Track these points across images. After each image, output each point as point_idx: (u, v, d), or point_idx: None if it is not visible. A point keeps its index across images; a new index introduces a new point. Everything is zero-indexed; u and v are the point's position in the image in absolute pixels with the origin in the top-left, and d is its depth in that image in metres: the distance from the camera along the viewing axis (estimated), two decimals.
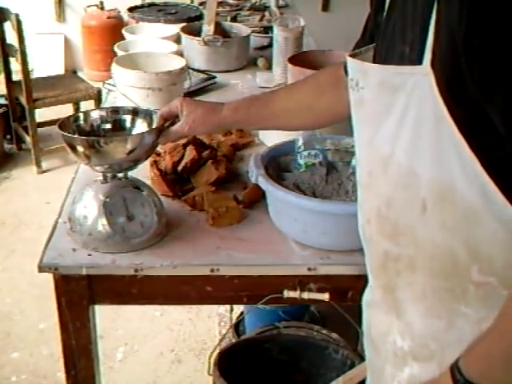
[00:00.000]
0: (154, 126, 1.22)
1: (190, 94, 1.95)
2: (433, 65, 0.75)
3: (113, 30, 4.40)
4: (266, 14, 2.99)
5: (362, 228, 0.99)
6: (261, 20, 2.92)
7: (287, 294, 1.22)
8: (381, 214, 0.91)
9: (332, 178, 1.28)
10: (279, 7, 3.10)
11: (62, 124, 1.19)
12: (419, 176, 0.82)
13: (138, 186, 1.24)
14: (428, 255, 0.86)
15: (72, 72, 4.75)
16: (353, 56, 0.93)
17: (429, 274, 0.87)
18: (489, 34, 0.70)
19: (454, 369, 0.82)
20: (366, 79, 0.87)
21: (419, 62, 0.77)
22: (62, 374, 1.38)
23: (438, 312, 0.88)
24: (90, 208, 1.20)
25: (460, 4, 0.70)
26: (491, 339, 0.80)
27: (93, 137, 1.21)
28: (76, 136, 1.17)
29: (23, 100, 3.39)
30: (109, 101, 1.93)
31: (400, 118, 0.81)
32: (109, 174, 1.22)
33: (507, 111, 0.72)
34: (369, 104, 0.88)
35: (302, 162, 1.29)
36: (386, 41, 0.88)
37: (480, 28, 0.70)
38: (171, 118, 1.23)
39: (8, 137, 3.76)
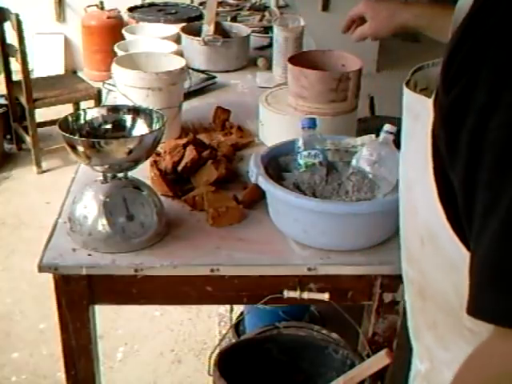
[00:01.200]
0: (344, 24, 1.27)
1: (190, 94, 1.95)
2: (435, 104, 0.73)
3: (113, 30, 4.40)
4: (266, 14, 2.99)
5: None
6: (261, 20, 2.92)
7: (287, 294, 1.22)
8: (401, 235, 0.92)
9: (332, 178, 1.27)
10: (279, 7, 3.10)
11: (62, 123, 1.19)
12: (418, 212, 0.81)
13: (138, 186, 1.24)
14: (432, 287, 0.85)
15: (72, 72, 4.75)
16: (419, 69, 0.92)
17: (435, 305, 0.85)
18: (461, 98, 0.66)
19: None
20: (402, 98, 0.87)
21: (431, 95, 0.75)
22: (62, 374, 1.38)
23: (445, 343, 0.86)
24: (90, 208, 1.20)
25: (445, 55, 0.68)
26: None
27: (93, 136, 1.21)
28: (76, 137, 1.17)
29: (23, 100, 3.39)
30: (109, 101, 1.93)
31: (417, 147, 0.79)
32: (109, 174, 1.22)
33: (464, 184, 0.68)
34: (404, 125, 0.87)
35: (301, 161, 1.29)
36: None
37: (455, 86, 0.66)
38: (359, 19, 1.27)
39: (8, 137, 3.76)
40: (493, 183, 0.63)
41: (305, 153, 1.28)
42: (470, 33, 0.66)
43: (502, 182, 0.62)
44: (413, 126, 0.82)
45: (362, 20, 1.32)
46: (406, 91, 0.85)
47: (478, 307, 0.65)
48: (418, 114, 0.79)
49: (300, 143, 1.32)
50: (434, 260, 0.80)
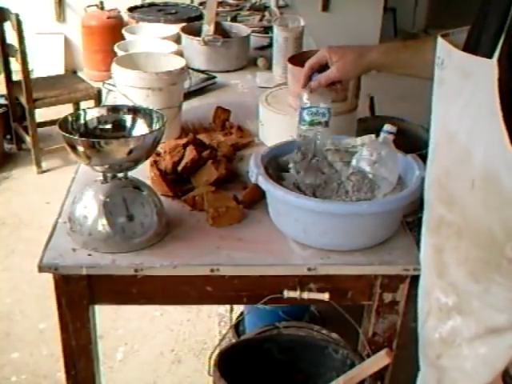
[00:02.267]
0: (302, 76, 1.24)
1: (190, 94, 1.95)
2: (500, 62, 0.82)
3: (113, 30, 4.40)
4: (266, 14, 2.99)
5: (426, 192, 1.09)
6: (261, 20, 2.92)
7: (287, 294, 1.22)
8: (440, 182, 1.01)
9: (332, 178, 1.27)
10: (279, 7, 3.10)
11: (62, 123, 1.19)
12: (472, 157, 0.91)
13: (138, 186, 1.24)
14: (472, 228, 0.95)
15: (72, 72, 4.75)
16: (444, 35, 0.99)
17: (472, 243, 0.96)
18: None
19: (506, 377, 0.94)
20: (449, 60, 0.94)
21: (491, 55, 0.84)
22: (62, 374, 1.38)
23: (476, 277, 0.97)
24: (90, 208, 1.20)
25: None
26: None
27: (93, 136, 1.21)
28: (76, 137, 1.17)
29: (23, 100, 3.39)
30: (109, 101, 1.93)
31: (466, 102, 0.90)
32: (109, 174, 1.22)
33: None
34: (447, 84, 0.96)
35: (307, 118, 1.25)
36: (475, 26, 0.95)
37: None
38: (319, 68, 1.29)
39: (8, 137, 3.76)
40: None
41: (313, 109, 1.24)
42: None
43: None
44: (460, 84, 0.90)
45: (321, 67, 1.33)
46: (460, 53, 0.92)
47: None
48: (471, 73, 0.88)
49: (305, 98, 1.29)
50: (484, 199, 0.91)
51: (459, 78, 0.91)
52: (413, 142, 2.11)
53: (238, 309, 2.20)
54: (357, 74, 1.40)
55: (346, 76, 1.36)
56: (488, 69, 0.84)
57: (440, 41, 0.98)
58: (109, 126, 1.26)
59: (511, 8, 0.84)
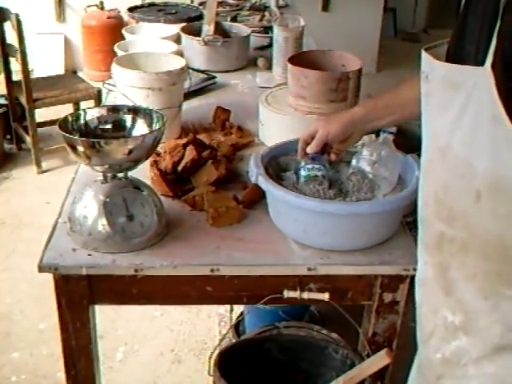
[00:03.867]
0: (299, 150, 1.30)
1: (190, 94, 1.95)
2: (493, 68, 0.80)
3: (113, 30, 4.40)
4: (266, 14, 2.99)
5: (420, 210, 1.05)
6: (261, 20, 2.92)
7: (287, 294, 1.22)
8: (438, 198, 0.98)
9: (332, 178, 1.27)
10: (279, 7, 3.10)
11: (62, 123, 1.19)
12: (474, 168, 0.88)
13: (138, 186, 1.24)
14: (480, 240, 0.92)
15: (72, 72, 4.75)
16: (427, 49, 0.98)
17: (480, 257, 0.92)
18: None
19: None
20: (433, 74, 0.93)
21: (482, 63, 0.82)
22: (62, 374, 1.38)
23: (485, 293, 0.93)
24: (90, 208, 1.20)
25: None
26: None
27: (93, 136, 1.21)
28: (76, 137, 1.17)
29: (23, 100, 3.39)
30: (109, 101, 1.93)
31: (458, 113, 0.88)
32: (109, 174, 1.22)
33: None
34: (433, 97, 0.95)
35: (304, 173, 1.27)
36: (457, 38, 0.94)
37: None
38: (311, 140, 1.30)
39: (8, 137, 3.76)
40: None
41: (309, 166, 1.28)
42: None
43: None
44: (448, 97, 0.89)
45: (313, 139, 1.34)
46: (445, 64, 0.91)
47: None
48: (459, 83, 0.86)
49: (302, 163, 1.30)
50: (493, 210, 0.88)
51: (446, 91, 0.90)
52: (413, 142, 2.11)
53: (238, 309, 2.20)
54: (341, 130, 1.33)
55: (332, 134, 1.31)
56: (480, 77, 0.82)
57: (424, 55, 0.97)
58: (109, 126, 1.26)
59: (499, 11, 0.81)
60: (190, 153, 1.44)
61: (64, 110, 3.29)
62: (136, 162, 1.21)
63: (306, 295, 1.22)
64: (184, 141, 1.51)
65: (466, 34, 0.91)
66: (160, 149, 1.43)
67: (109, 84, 1.93)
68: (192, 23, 2.43)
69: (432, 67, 0.93)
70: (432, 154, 0.98)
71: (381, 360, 1.26)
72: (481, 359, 0.96)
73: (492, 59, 0.81)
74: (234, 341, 1.99)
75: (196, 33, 2.30)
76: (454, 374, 1.02)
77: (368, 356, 1.30)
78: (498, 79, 0.80)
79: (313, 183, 1.25)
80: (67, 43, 4.96)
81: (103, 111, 1.28)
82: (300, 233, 1.22)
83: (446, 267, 0.99)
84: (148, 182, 1.34)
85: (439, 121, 0.93)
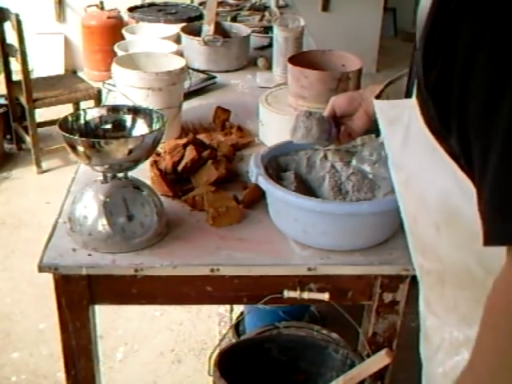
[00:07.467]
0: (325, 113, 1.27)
1: (190, 94, 1.95)
2: (418, 99, 0.79)
3: (113, 30, 4.40)
4: (266, 13, 2.99)
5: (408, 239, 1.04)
6: (261, 20, 2.92)
7: (287, 294, 1.22)
8: (411, 230, 0.96)
9: (332, 178, 1.27)
10: (279, 7, 3.10)
11: (62, 123, 1.19)
12: (428, 200, 0.86)
13: (138, 186, 1.24)
14: (451, 270, 0.90)
15: (72, 72, 4.75)
16: (390, 83, 1.00)
17: (456, 286, 0.91)
18: (443, 72, 0.73)
19: None
20: (377, 112, 0.94)
21: (411, 95, 0.82)
22: (62, 374, 1.38)
23: (469, 321, 0.91)
24: (90, 208, 1.20)
25: (420, 46, 0.75)
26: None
27: (93, 136, 1.21)
28: (76, 137, 1.17)
29: (23, 100, 3.39)
30: (109, 101, 1.93)
31: (403, 147, 0.86)
32: (109, 174, 1.22)
33: (462, 145, 0.74)
34: (383, 131, 0.94)
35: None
36: (411, 69, 0.94)
37: (435, 66, 0.73)
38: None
39: (8, 137, 3.76)
40: (481, 130, 0.70)
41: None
42: (441, 15, 0.72)
43: (489, 128, 0.68)
44: (390, 131, 0.89)
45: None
46: (378, 102, 0.92)
47: (493, 236, 0.69)
48: (395, 118, 0.86)
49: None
50: (453, 240, 0.86)
51: (387, 127, 0.90)
52: None
53: (238, 309, 2.20)
54: (346, 98, 1.31)
55: (336, 99, 1.30)
56: (412, 109, 0.81)
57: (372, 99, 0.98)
58: (109, 126, 1.26)
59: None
60: (190, 153, 1.44)
61: (64, 110, 3.29)
62: (136, 162, 1.21)
63: (306, 295, 1.22)
64: (184, 141, 1.51)
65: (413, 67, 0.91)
66: (160, 149, 1.43)
67: (109, 84, 1.93)
68: (192, 23, 2.43)
69: (374, 105, 0.94)
70: (399, 187, 0.96)
71: (381, 360, 1.26)
72: None
73: (416, 91, 0.80)
74: (234, 341, 1.99)
75: (196, 33, 2.30)
76: None
77: (368, 356, 1.30)
78: (421, 110, 0.79)
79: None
80: (67, 43, 4.96)
81: (103, 111, 1.28)
82: (300, 233, 1.22)
83: (428, 301, 0.99)
84: (148, 182, 1.34)
85: (393, 154, 0.93)
